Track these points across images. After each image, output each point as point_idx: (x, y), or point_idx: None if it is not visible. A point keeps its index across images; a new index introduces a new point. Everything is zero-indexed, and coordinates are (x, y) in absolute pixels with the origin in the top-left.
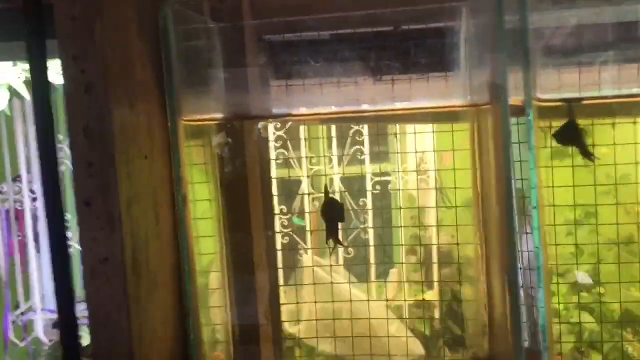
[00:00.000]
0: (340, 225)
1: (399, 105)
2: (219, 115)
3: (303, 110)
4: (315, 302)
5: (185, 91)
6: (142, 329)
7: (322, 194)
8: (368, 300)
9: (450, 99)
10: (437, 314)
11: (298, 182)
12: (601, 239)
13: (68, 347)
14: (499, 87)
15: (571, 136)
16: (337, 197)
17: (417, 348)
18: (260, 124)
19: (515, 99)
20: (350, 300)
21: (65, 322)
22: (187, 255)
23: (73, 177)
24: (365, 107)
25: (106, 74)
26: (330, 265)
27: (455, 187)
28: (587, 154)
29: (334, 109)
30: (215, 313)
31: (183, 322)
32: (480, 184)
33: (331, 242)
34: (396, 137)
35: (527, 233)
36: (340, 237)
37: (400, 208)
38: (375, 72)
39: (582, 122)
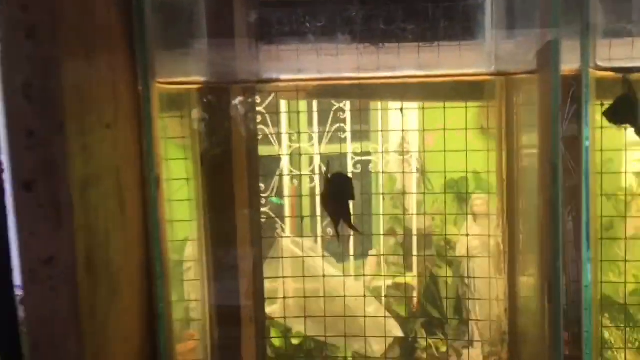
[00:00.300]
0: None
1: (408, 73)
2: (201, 79)
3: (295, 76)
4: (295, 278)
5: (161, 47)
6: (100, 352)
7: (304, 174)
8: (343, 276)
9: (473, 67)
10: (415, 297)
11: (277, 160)
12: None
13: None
14: (552, 48)
15: (626, 113)
16: (316, 177)
17: (395, 329)
18: (238, 99)
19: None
20: (323, 276)
21: (6, 331)
22: (159, 248)
23: (8, 152)
24: (368, 75)
25: (56, 14)
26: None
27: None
28: None
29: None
30: (192, 296)
31: (153, 324)
32: (506, 169)
33: (341, 229)
34: (379, 115)
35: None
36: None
37: (409, 193)
38: (383, 38)
39: None
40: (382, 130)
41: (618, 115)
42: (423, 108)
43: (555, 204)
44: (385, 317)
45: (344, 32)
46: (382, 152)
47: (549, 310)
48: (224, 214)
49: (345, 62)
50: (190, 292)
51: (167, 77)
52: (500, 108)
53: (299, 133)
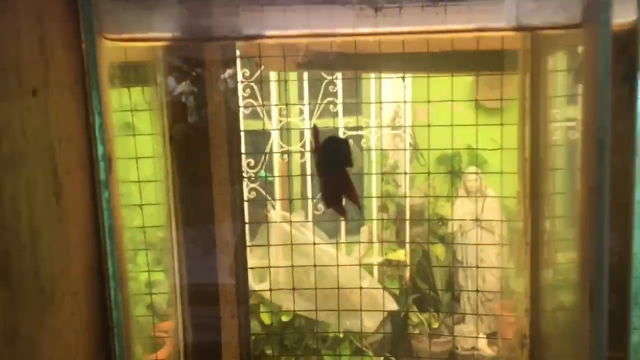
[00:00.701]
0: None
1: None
2: (166, 35)
3: (281, 32)
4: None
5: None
6: None
7: (294, 149)
8: (336, 244)
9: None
10: (407, 273)
11: (267, 135)
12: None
13: None
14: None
15: None
16: (307, 154)
17: (390, 303)
18: (227, 73)
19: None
20: (314, 243)
21: None
22: (113, 243)
23: None
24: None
25: None
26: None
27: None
28: None
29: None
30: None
31: (106, 338)
32: (530, 147)
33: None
34: (371, 86)
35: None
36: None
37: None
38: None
39: None
40: (375, 102)
41: None
42: (428, 76)
43: (602, 188)
44: (381, 288)
45: None
46: (374, 127)
47: (591, 318)
48: (198, 195)
49: (339, 24)
50: (159, 282)
51: (120, 32)
52: (524, 75)
53: (287, 105)
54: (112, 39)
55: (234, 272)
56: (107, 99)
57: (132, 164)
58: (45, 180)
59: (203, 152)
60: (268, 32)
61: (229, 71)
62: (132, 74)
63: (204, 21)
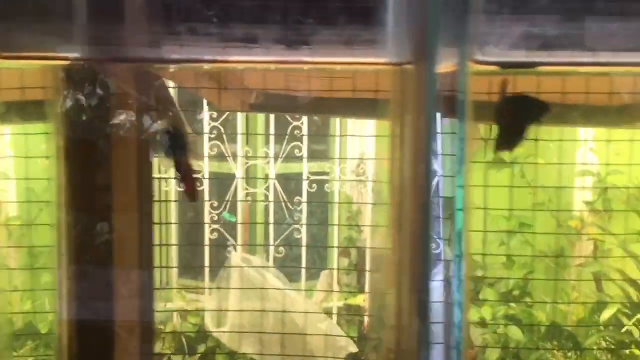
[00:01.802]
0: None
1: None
2: (71, 55)
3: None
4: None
5: (9, 17)
6: None
7: (256, 190)
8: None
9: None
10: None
11: (231, 177)
12: (533, 251)
13: None
14: (427, 41)
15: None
16: (270, 195)
17: (351, 347)
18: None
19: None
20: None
21: None
22: None
23: None
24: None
25: None
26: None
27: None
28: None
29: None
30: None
31: None
32: (399, 178)
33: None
34: (337, 134)
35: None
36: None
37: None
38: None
39: None
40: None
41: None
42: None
43: (427, 214)
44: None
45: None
46: (338, 175)
47: (419, 328)
48: (94, 219)
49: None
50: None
51: (14, 49)
52: (395, 108)
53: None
54: (5, 57)
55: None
56: None
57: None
58: None
59: (102, 175)
60: (180, 57)
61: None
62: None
63: (110, 42)
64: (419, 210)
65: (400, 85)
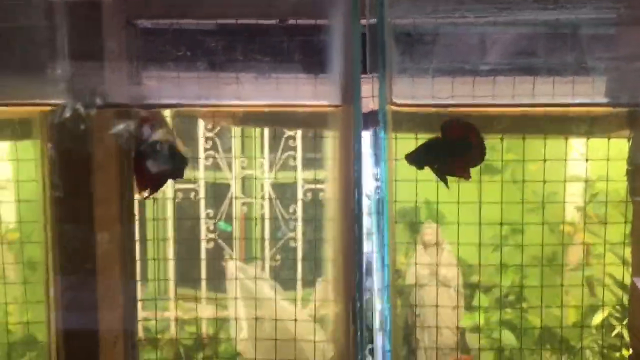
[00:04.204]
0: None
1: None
2: (56, 102)
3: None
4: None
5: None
6: None
7: (252, 199)
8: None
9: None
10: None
11: (227, 186)
12: (526, 257)
13: None
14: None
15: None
16: (266, 204)
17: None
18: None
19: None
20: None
21: None
22: None
23: None
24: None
25: None
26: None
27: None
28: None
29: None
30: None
31: None
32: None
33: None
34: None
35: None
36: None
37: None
38: (252, 68)
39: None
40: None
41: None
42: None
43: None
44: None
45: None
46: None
47: (352, 331)
48: (77, 237)
49: (225, 89)
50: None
51: (14, 98)
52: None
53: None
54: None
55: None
56: None
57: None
58: None
59: (83, 198)
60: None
61: (124, 127)
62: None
63: (96, 90)
64: (348, 221)
65: (336, 120)
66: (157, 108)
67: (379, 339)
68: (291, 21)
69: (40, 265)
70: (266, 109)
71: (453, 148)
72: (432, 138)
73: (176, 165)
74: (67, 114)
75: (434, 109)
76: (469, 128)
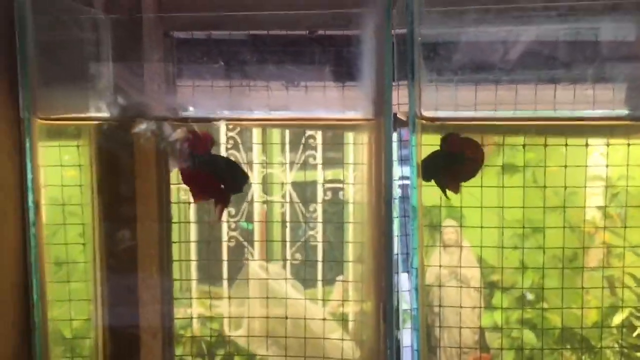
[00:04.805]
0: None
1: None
2: (104, 115)
3: (205, 113)
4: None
5: (53, 87)
6: None
7: (272, 198)
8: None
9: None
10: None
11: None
12: (545, 256)
13: None
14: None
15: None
16: (286, 203)
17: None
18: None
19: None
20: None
21: None
22: (37, 264)
23: None
24: (279, 114)
25: None
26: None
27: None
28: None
29: (242, 114)
30: (81, 324)
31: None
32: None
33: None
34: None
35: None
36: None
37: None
38: (289, 78)
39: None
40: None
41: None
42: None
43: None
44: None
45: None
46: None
47: (384, 329)
48: (121, 240)
49: (255, 99)
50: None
51: (58, 113)
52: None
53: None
54: (43, 119)
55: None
56: (37, 161)
57: (68, 209)
58: None
59: (128, 197)
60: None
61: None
62: (72, 137)
63: (136, 103)
64: (379, 225)
65: (367, 134)
66: (190, 122)
67: (406, 339)
68: (321, 32)
69: (64, 264)
70: (297, 122)
71: (448, 160)
72: (434, 151)
73: (237, 180)
74: (113, 126)
75: (457, 122)
76: (467, 142)
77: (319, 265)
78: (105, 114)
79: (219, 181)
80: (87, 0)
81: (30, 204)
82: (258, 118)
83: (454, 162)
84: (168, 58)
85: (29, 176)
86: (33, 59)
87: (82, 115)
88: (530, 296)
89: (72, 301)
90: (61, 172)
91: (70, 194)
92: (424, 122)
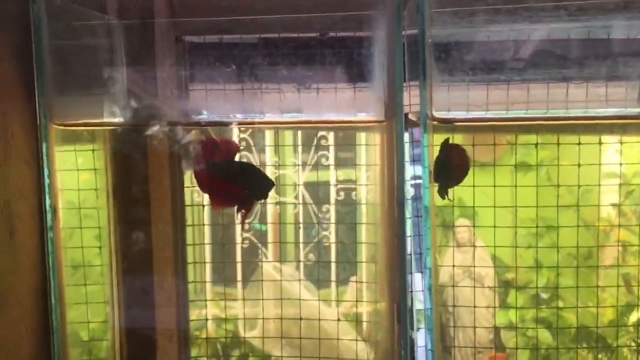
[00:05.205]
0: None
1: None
2: (118, 120)
3: (219, 117)
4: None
5: (69, 93)
6: None
7: (286, 199)
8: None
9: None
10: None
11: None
12: (560, 254)
13: None
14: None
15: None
16: (299, 204)
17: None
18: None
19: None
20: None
21: None
22: (55, 271)
23: None
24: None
25: None
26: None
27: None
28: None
29: (257, 117)
30: (99, 326)
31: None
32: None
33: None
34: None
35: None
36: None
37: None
38: (300, 81)
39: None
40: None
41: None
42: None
43: (402, 235)
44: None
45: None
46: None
47: (398, 329)
48: (136, 242)
49: (268, 102)
50: (96, 314)
51: (73, 119)
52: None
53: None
54: (59, 125)
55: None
56: (54, 166)
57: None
58: (2, 224)
59: (143, 200)
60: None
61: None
62: (85, 141)
63: (149, 108)
64: (393, 225)
65: (379, 135)
66: (204, 125)
67: (420, 339)
68: (332, 34)
69: (81, 267)
70: (308, 125)
71: (440, 166)
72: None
73: (263, 187)
74: (127, 130)
75: (468, 123)
76: (456, 149)
77: (332, 266)
78: (119, 119)
79: (243, 188)
80: (101, 7)
81: (48, 208)
82: (271, 121)
83: (444, 169)
84: (180, 62)
85: (46, 181)
86: (49, 66)
87: (97, 120)
88: (543, 295)
89: (89, 304)
90: (77, 176)
91: (86, 197)
92: (435, 123)
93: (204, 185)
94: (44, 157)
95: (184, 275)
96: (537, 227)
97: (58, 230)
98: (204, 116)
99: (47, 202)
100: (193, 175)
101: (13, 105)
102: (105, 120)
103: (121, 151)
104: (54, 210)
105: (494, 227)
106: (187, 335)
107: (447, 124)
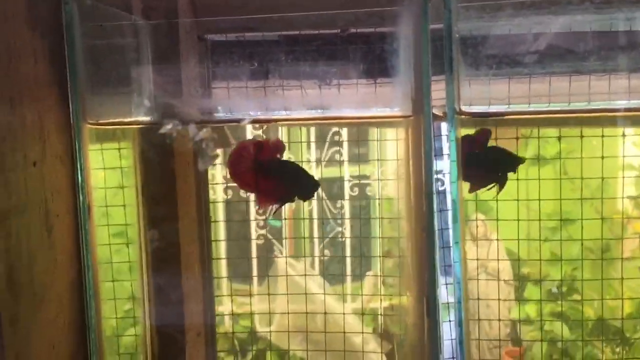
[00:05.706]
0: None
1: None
2: (146, 119)
3: (241, 115)
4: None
5: (100, 92)
6: (21, 353)
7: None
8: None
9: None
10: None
11: None
12: (577, 247)
13: None
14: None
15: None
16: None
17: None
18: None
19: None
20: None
21: None
22: (90, 269)
23: None
24: (314, 113)
25: None
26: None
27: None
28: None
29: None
30: (130, 323)
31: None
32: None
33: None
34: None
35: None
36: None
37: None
38: (321, 77)
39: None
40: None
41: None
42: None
43: (431, 228)
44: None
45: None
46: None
47: (427, 323)
48: (165, 240)
49: (292, 99)
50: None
51: (107, 118)
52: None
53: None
54: (92, 124)
55: (202, 317)
56: (88, 164)
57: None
58: (40, 221)
59: (170, 197)
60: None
61: (198, 141)
62: (116, 139)
63: (174, 106)
64: (422, 218)
65: (404, 130)
66: (225, 123)
67: (446, 331)
68: (354, 30)
69: (110, 264)
70: (332, 121)
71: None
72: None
73: (309, 187)
74: (155, 128)
75: (494, 117)
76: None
77: (348, 261)
78: (147, 118)
79: (287, 187)
80: (127, 7)
81: (82, 205)
82: (294, 118)
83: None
84: (203, 61)
85: (80, 179)
86: (81, 67)
87: (127, 119)
88: (554, 289)
89: (119, 300)
90: (108, 175)
91: (116, 194)
92: (463, 117)
93: (249, 184)
94: (78, 156)
95: (209, 272)
96: (560, 219)
97: (92, 227)
98: (225, 114)
99: (81, 199)
100: (231, 173)
101: (48, 105)
102: (135, 119)
103: (149, 149)
104: (88, 208)
105: (518, 220)
106: (213, 330)
107: (478, 118)
